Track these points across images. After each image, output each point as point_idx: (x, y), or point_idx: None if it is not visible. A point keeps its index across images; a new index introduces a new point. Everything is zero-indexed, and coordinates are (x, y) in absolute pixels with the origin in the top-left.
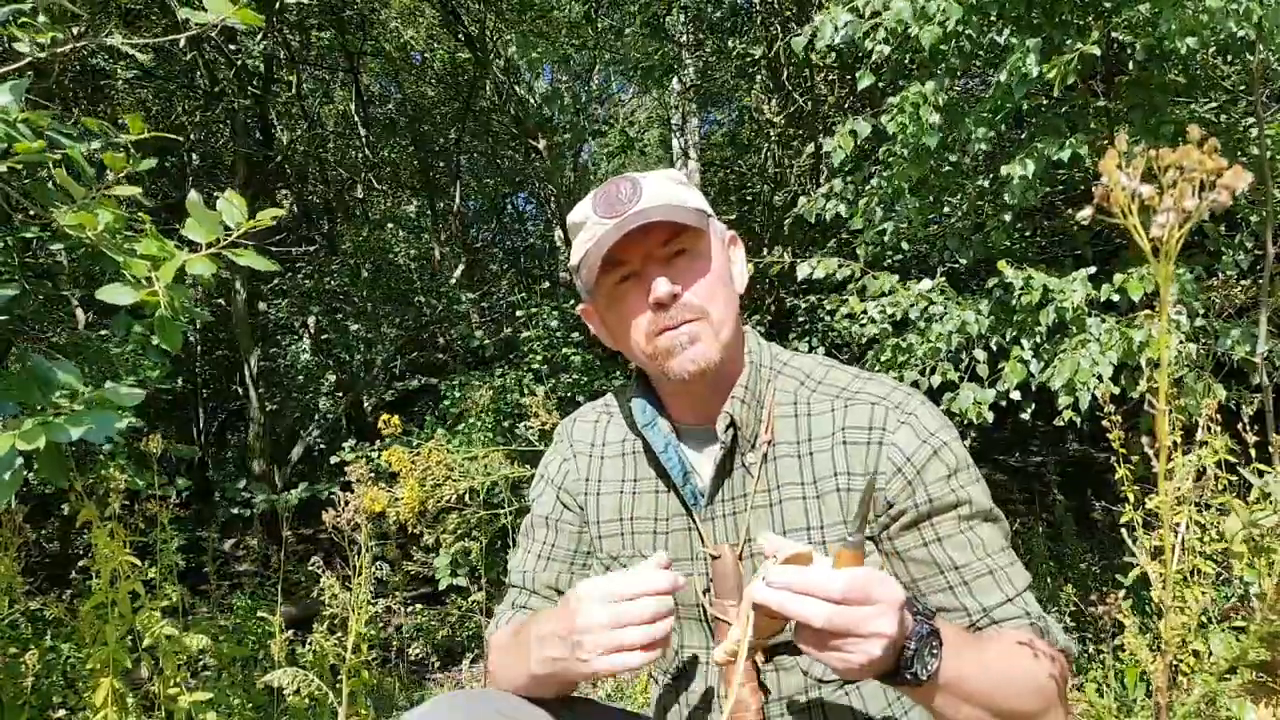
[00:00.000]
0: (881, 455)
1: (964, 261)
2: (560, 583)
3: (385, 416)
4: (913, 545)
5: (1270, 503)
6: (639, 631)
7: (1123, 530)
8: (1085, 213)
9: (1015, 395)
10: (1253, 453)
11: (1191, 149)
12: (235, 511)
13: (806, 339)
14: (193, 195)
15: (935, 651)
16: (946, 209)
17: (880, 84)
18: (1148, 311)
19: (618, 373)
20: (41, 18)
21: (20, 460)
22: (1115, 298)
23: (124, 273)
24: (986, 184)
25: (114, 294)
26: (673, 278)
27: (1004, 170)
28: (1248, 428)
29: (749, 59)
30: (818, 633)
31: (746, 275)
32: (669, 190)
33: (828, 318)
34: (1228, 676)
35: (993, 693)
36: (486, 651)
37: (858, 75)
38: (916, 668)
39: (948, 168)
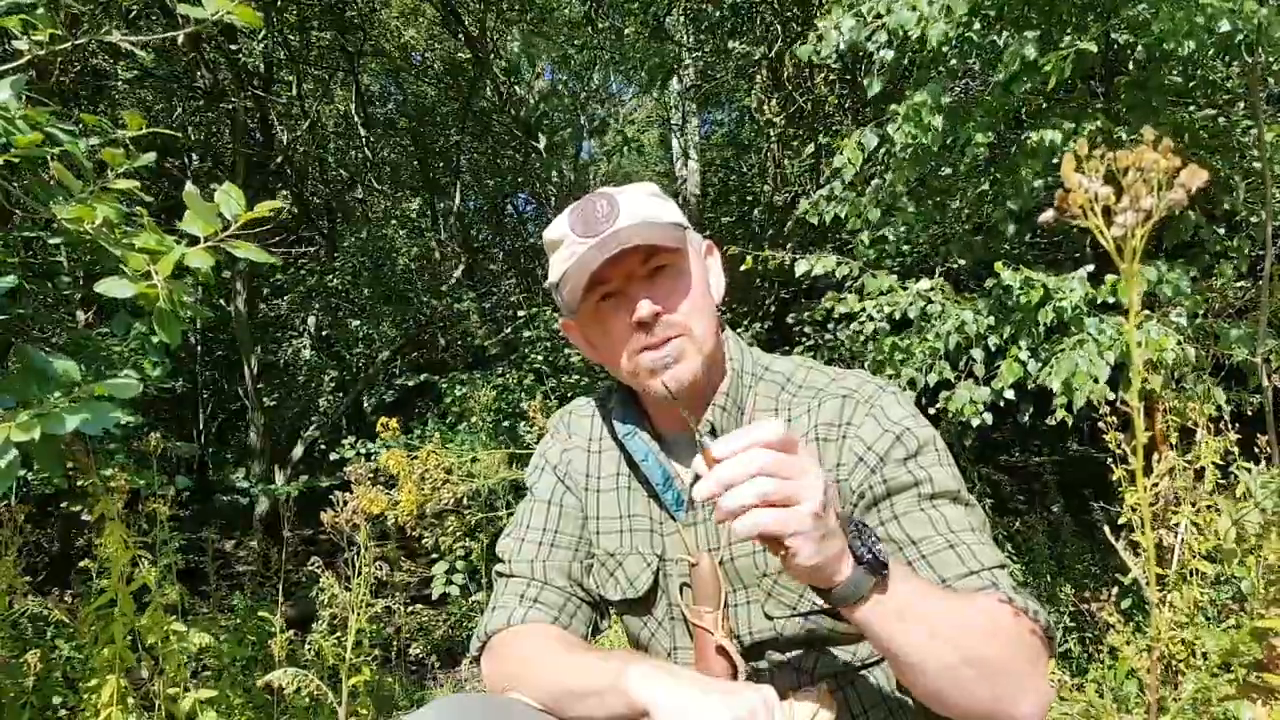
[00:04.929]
0: (845, 447)
1: (963, 263)
2: (573, 572)
3: (383, 420)
4: (872, 527)
5: (1253, 501)
6: None
7: (1106, 529)
8: (1047, 215)
9: (1010, 394)
10: (1260, 451)
11: (1146, 150)
12: (229, 500)
13: (811, 354)
14: (190, 187)
15: (876, 541)
16: (948, 212)
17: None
18: (1147, 312)
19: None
20: (40, 10)
21: (15, 453)
22: (1110, 299)
23: (123, 267)
24: (988, 186)
25: (113, 287)
26: (654, 297)
27: (1033, 137)
28: (1242, 427)
29: (749, 60)
30: (771, 491)
31: (723, 283)
32: (646, 206)
33: (833, 326)
34: (1219, 673)
35: (955, 634)
36: (489, 647)
37: (866, 83)
38: (866, 552)
39: (947, 170)
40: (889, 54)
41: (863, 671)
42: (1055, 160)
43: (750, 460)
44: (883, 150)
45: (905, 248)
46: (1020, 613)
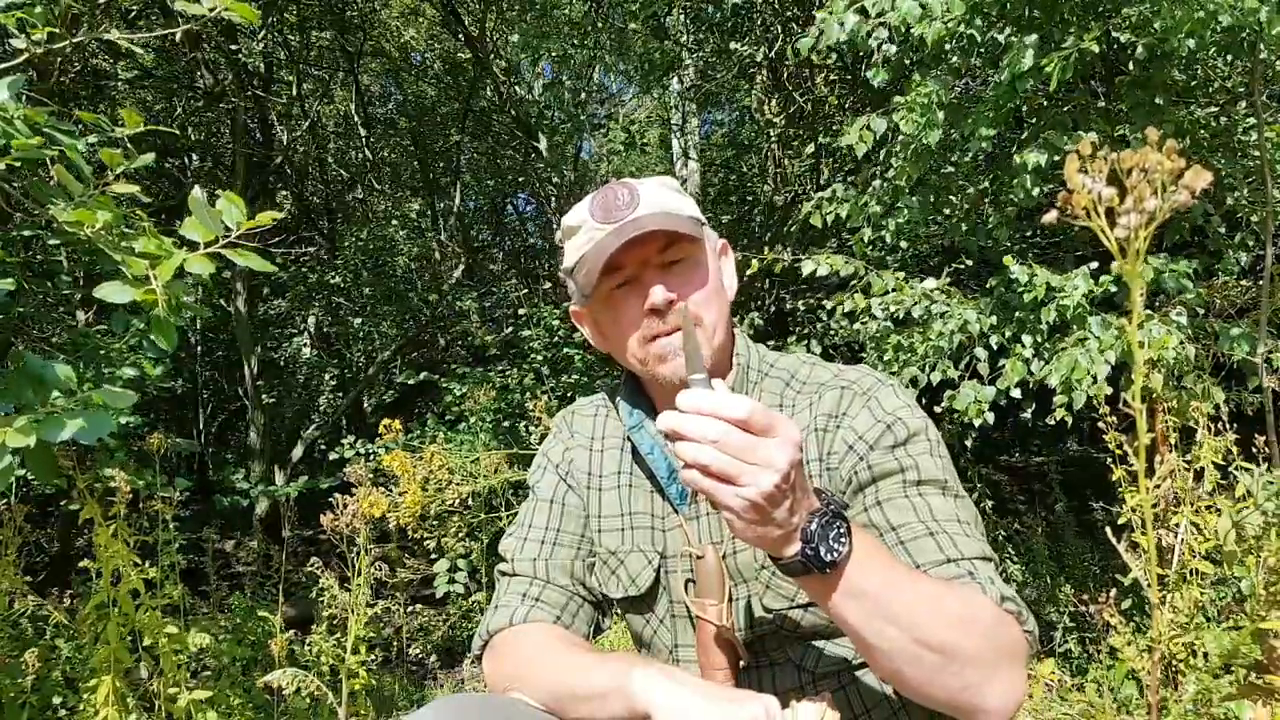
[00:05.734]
0: (838, 437)
1: (970, 262)
2: (575, 570)
3: (386, 421)
4: (856, 512)
5: (1253, 501)
6: None
7: (1108, 530)
8: (1050, 216)
9: (1016, 393)
10: (1259, 451)
11: (1150, 151)
12: (229, 501)
13: (805, 343)
14: (196, 191)
15: (842, 539)
16: (948, 209)
17: (885, 82)
18: (1148, 312)
19: (619, 372)
20: (38, 9)
21: (11, 458)
22: (1113, 289)
23: (122, 270)
24: (988, 184)
25: (112, 292)
26: (669, 285)
27: (1016, 159)
28: (1242, 427)
29: (750, 60)
30: (710, 463)
31: (735, 284)
32: (666, 198)
33: (826, 318)
34: (1220, 674)
35: (919, 618)
36: (490, 646)
37: (870, 74)
38: (819, 546)
39: (948, 168)
40: (892, 48)
41: (865, 669)
42: (1058, 162)
43: (703, 428)
44: (884, 150)
45: (904, 244)
46: (998, 605)
